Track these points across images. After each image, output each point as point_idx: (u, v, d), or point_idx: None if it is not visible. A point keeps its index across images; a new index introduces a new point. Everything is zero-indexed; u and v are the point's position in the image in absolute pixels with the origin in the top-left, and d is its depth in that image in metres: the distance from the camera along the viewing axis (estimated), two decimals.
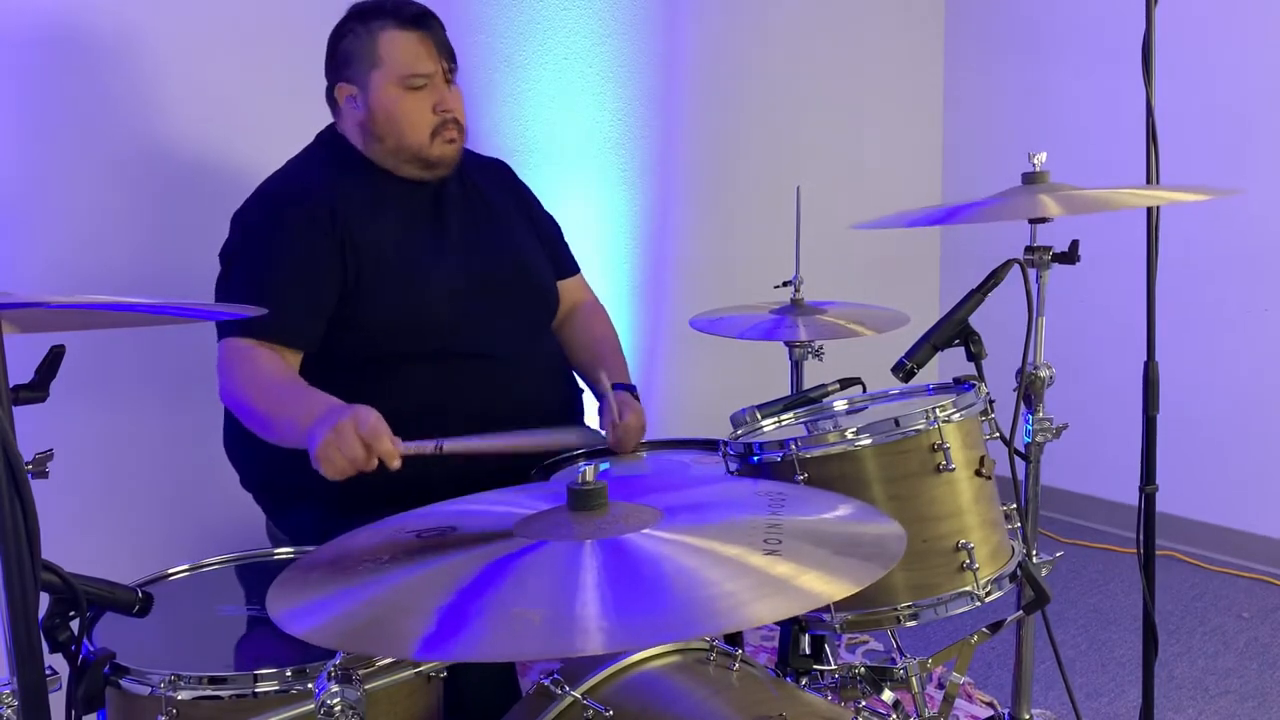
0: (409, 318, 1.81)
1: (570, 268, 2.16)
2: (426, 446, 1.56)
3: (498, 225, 1.97)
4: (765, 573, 0.93)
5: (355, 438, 1.50)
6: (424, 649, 0.86)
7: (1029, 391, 1.77)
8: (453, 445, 1.60)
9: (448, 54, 1.85)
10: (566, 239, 2.18)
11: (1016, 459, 1.66)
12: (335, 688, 1.03)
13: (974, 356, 1.64)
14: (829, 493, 1.26)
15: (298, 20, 2.28)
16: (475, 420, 1.82)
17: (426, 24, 1.83)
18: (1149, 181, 1.86)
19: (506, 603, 0.89)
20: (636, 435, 1.88)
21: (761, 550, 0.96)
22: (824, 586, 0.91)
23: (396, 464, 1.53)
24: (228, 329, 1.74)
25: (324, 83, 1.89)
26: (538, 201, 2.14)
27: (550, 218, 2.15)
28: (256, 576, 1.51)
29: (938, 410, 1.45)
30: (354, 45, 1.83)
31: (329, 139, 1.92)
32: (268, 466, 1.90)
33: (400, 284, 1.80)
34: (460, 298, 1.86)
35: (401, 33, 1.81)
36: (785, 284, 2.26)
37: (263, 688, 1.19)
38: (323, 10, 1.90)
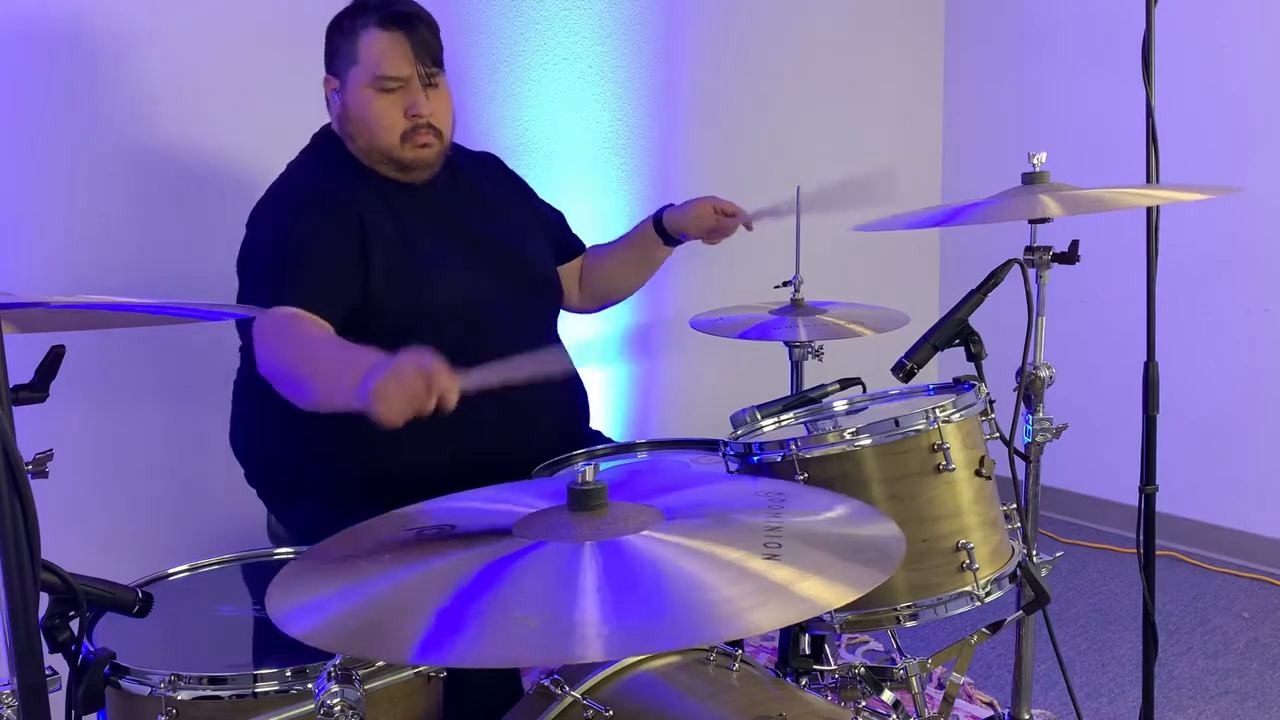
0: (412, 314, 1.80)
1: (580, 247, 2.20)
2: (490, 378, 1.46)
3: (495, 219, 1.97)
4: (765, 578, 0.92)
5: (415, 372, 1.41)
6: (421, 653, 0.85)
7: (1029, 391, 1.77)
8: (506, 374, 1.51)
9: (429, 57, 1.79)
10: (571, 230, 2.20)
11: (1016, 459, 1.66)
12: (335, 688, 1.04)
13: (974, 356, 1.64)
14: (828, 492, 1.26)
15: (299, 20, 2.27)
16: (481, 416, 1.81)
17: (409, 25, 1.78)
18: (1149, 182, 1.86)
19: (505, 606, 0.89)
20: (714, 208, 2.06)
21: (761, 554, 0.96)
22: (824, 593, 0.90)
23: (454, 400, 1.42)
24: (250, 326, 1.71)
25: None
26: (533, 192, 2.15)
27: (550, 206, 2.17)
28: (256, 576, 1.51)
29: (937, 410, 1.45)
30: (340, 39, 1.82)
31: (325, 136, 1.90)
32: (273, 462, 1.90)
33: (404, 280, 1.80)
34: (462, 292, 1.86)
35: (381, 32, 1.77)
36: (785, 284, 2.26)
37: (263, 688, 1.19)
38: (324, 10, 1.90)
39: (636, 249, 2.16)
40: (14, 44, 2.06)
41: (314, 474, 1.83)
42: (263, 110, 2.32)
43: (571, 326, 2.51)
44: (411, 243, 1.82)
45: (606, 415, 3.05)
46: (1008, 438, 1.62)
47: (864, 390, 1.76)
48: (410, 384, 1.40)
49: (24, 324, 1.16)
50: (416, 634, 0.86)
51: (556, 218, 2.17)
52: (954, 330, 1.64)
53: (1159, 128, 1.81)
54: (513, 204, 2.05)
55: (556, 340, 2.02)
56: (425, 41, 1.79)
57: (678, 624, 0.87)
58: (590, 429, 2.05)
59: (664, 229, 2.10)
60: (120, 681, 1.20)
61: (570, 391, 1.99)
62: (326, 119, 1.94)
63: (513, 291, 1.92)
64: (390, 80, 1.77)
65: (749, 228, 2.10)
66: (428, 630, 0.86)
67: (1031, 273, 1.71)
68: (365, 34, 1.77)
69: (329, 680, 1.04)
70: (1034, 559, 1.70)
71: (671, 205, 2.12)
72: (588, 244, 2.23)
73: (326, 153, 1.88)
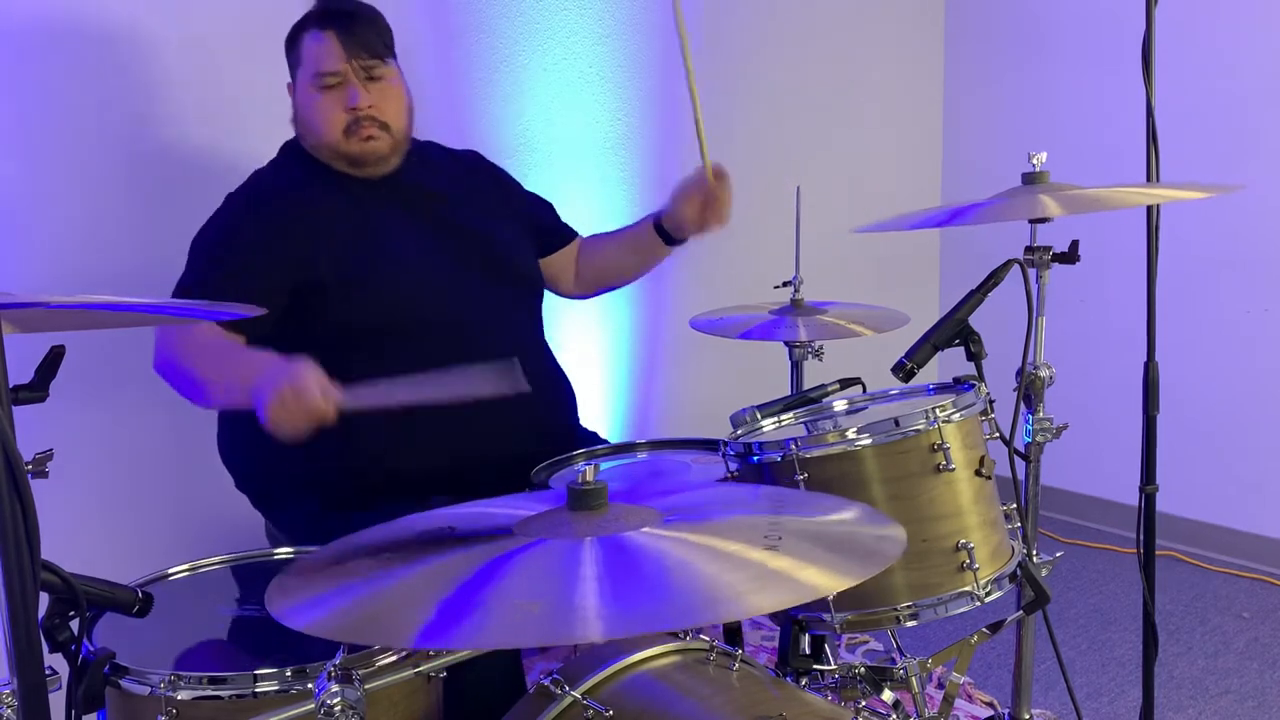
0: (379, 314, 1.81)
1: (568, 234, 2.19)
2: (373, 395, 1.53)
3: (465, 210, 1.97)
4: (764, 565, 0.93)
5: (297, 402, 1.48)
6: (424, 638, 0.86)
7: (1029, 391, 1.77)
8: (395, 395, 1.56)
9: (363, 51, 1.83)
10: (561, 218, 2.20)
11: (1016, 459, 1.66)
12: (335, 688, 1.04)
13: (974, 356, 1.64)
14: (830, 496, 1.26)
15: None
16: (464, 415, 1.81)
17: (341, 22, 1.83)
18: (1149, 182, 1.86)
19: (506, 594, 0.90)
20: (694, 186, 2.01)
21: (761, 545, 0.96)
22: (823, 579, 0.91)
23: (332, 418, 1.51)
24: None
25: None
26: (517, 184, 2.15)
27: (535, 197, 2.17)
28: (256, 576, 1.51)
29: (938, 410, 1.45)
30: (291, 45, 1.89)
31: (290, 144, 1.96)
32: (261, 468, 1.90)
33: (367, 279, 1.81)
34: (431, 289, 1.86)
35: (314, 32, 1.84)
36: (785, 284, 2.26)
37: (263, 688, 1.18)
38: None
39: (636, 247, 2.14)
40: (14, 43, 2.06)
41: (303, 481, 1.83)
42: (262, 110, 2.31)
43: (571, 325, 2.51)
44: (366, 233, 1.85)
45: (607, 415, 3.05)
46: (1008, 437, 1.62)
47: (864, 390, 1.76)
48: (293, 409, 1.48)
49: (24, 324, 1.16)
50: (419, 622, 0.86)
51: (543, 207, 2.17)
52: (954, 330, 1.64)
53: (1159, 127, 1.81)
54: (488, 195, 2.05)
55: (533, 344, 2.01)
56: (359, 36, 1.83)
57: (676, 606, 0.87)
58: (581, 427, 2.04)
59: (665, 230, 2.08)
60: (120, 681, 1.20)
61: (557, 390, 1.99)
62: None
63: (483, 281, 1.92)
64: (326, 76, 1.82)
65: (718, 176, 2.03)
66: (430, 618, 0.86)
67: (1031, 273, 1.70)
68: (306, 36, 1.85)
69: (329, 680, 1.04)
70: (1034, 559, 1.70)
71: (665, 209, 2.09)
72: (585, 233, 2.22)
73: (290, 158, 1.93)
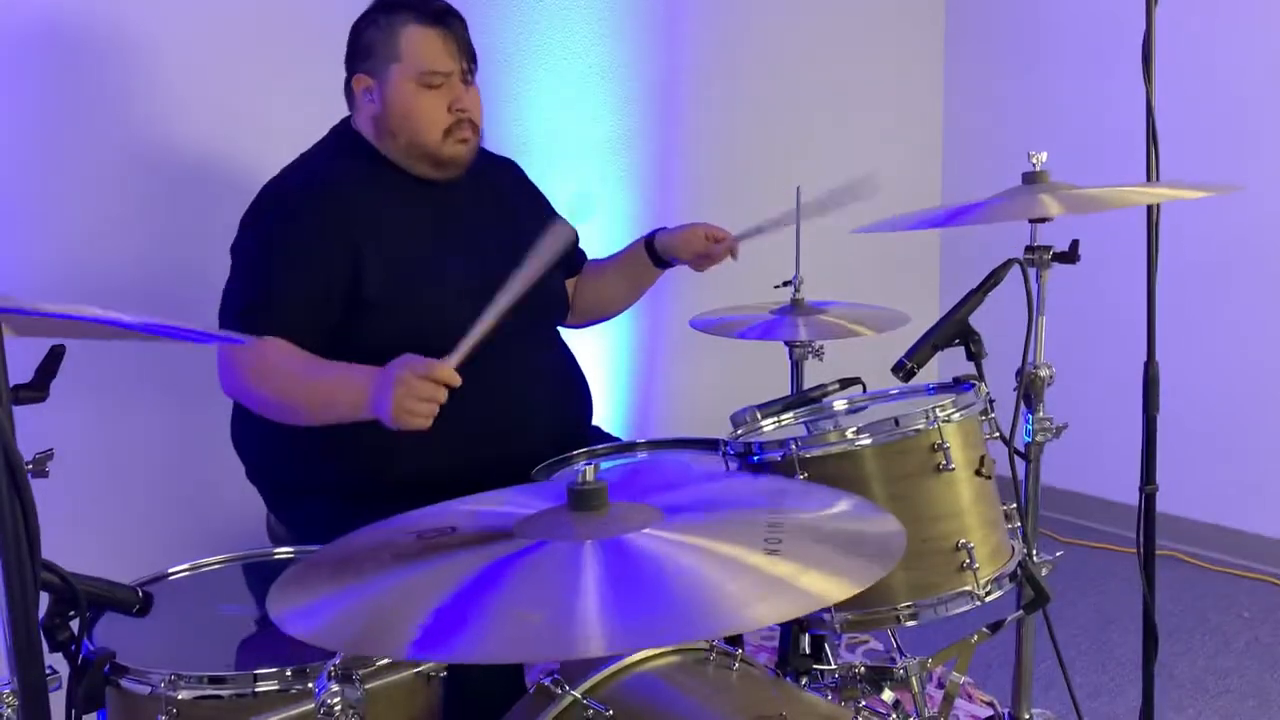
0: (418, 316, 1.80)
1: (583, 262, 2.20)
2: (467, 343, 1.56)
3: (509, 226, 1.95)
4: (766, 573, 0.92)
5: (418, 380, 1.52)
6: (418, 648, 0.86)
7: (1029, 391, 1.76)
8: (484, 324, 1.59)
9: (468, 54, 1.84)
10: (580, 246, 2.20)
11: (1016, 459, 1.66)
12: (335, 687, 1.03)
13: (974, 356, 1.64)
14: (828, 488, 1.26)
15: (305, 20, 2.27)
16: (484, 419, 1.81)
17: (448, 22, 1.82)
18: (1149, 182, 1.86)
19: (506, 603, 0.89)
20: (705, 234, 2.05)
21: (762, 550, 0.96)
22: (825, 587, 0.91)
23: (457, 379, 1.55)
24: (226, 323, 1.74)
25: (332, 83, 1.89)
26: (548, 201, 2.15)
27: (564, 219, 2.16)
28: (256, 576, 1.51)
29: (938, 410, 1.45)
30: (374, 37, 1.83)
31: (343, 131, 1.91)
32: (275, 459, 1.90)
33: (411, 281, 1.80)
34: (470, 298, 1.85)
35: (422, 29, 1.80)
36: (785, 284, 2.25)
37: (263, 687, 1.19)
38: (331, 10, 1.90)
39: (627, 268, 2.16)
40: (15, 44, 2.06)
41: (316, 471, 1.83)
42: (262, 111, 2.32)
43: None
44: (414, 242, 1.83)
45: (606, 415, 3.05)
46: (1008, 437, 1.62)
47: (864, 390, 1.76)
48: (421, 390, 1.52)
49: (22, 328, 1.16)
50: (415, 631, 0.86)
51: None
52: (954, 330, 1.64)
53: (1159, 128, 1.81)
54: (527, 213, 2.04)
55: (554, 351, 2.01)
56: (463, 38, 1.84)
57: (678, 619, 0.87)
58: (593, 427, 2.05)
59: (655, 251, 2.10)
60: (120, 681, 1.20)
61: (572, 390, 2.00)
62: (326, 121, 1.94)
63: (517, 300, 1.91)
64: (436, 75, 1.80)
65: (734, 255, 2.08)
66: (426, 627, 0.86)
67: (1032, 272, 1.70)
68: (406, 30, 1.80)
69: (329, 680, 1.04)
70: (1034, 559, 1.70)
71: (664, 228, 2.11)
72: (586, 244, 2.22)
73: (344, 147, 1.88)
